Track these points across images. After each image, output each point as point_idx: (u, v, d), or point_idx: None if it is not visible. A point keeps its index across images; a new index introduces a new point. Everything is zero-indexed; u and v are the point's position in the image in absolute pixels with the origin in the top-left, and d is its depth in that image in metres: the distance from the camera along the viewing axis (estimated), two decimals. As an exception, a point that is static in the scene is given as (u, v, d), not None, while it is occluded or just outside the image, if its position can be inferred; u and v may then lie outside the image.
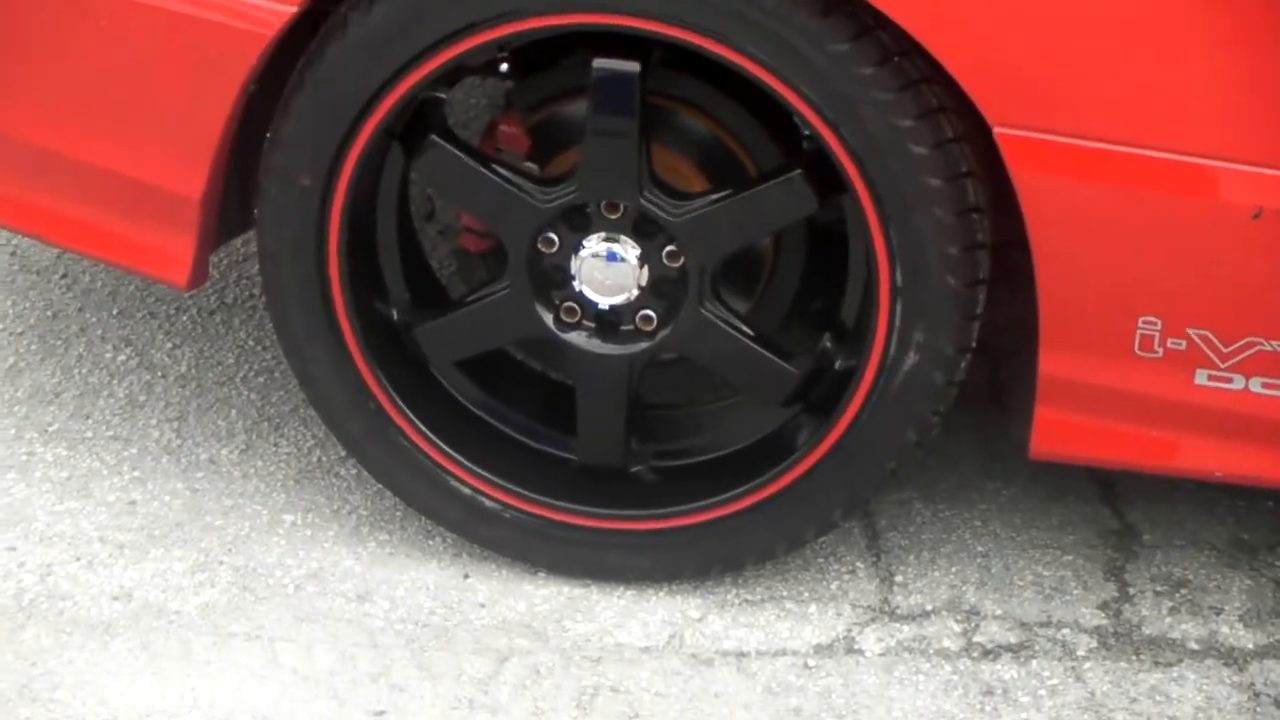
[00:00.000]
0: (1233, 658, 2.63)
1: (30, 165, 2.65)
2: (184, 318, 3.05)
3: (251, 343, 3.00)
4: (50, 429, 2.84)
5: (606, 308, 2.54)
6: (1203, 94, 2.26)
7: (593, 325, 2.55)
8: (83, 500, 2.72)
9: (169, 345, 3.01)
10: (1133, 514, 2.85)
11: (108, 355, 2.99)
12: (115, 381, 2.94)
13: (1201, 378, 2.44)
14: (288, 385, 2.85)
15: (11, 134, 2.63)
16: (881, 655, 2.59)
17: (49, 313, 3.04)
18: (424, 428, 2.58)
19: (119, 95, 2.51)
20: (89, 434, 2.83)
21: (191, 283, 2.57)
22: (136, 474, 2.77)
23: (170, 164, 2.50)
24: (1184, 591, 2.74)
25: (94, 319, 3.05)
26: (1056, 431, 2.50)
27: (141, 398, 2.91)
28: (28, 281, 3.06)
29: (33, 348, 2.98)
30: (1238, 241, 2.34)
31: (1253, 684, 2.60)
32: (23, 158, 2.65)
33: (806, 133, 2.42)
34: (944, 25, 2.26)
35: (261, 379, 2.95)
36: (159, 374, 2.96)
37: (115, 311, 3.06)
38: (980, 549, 2.76)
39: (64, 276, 3.10)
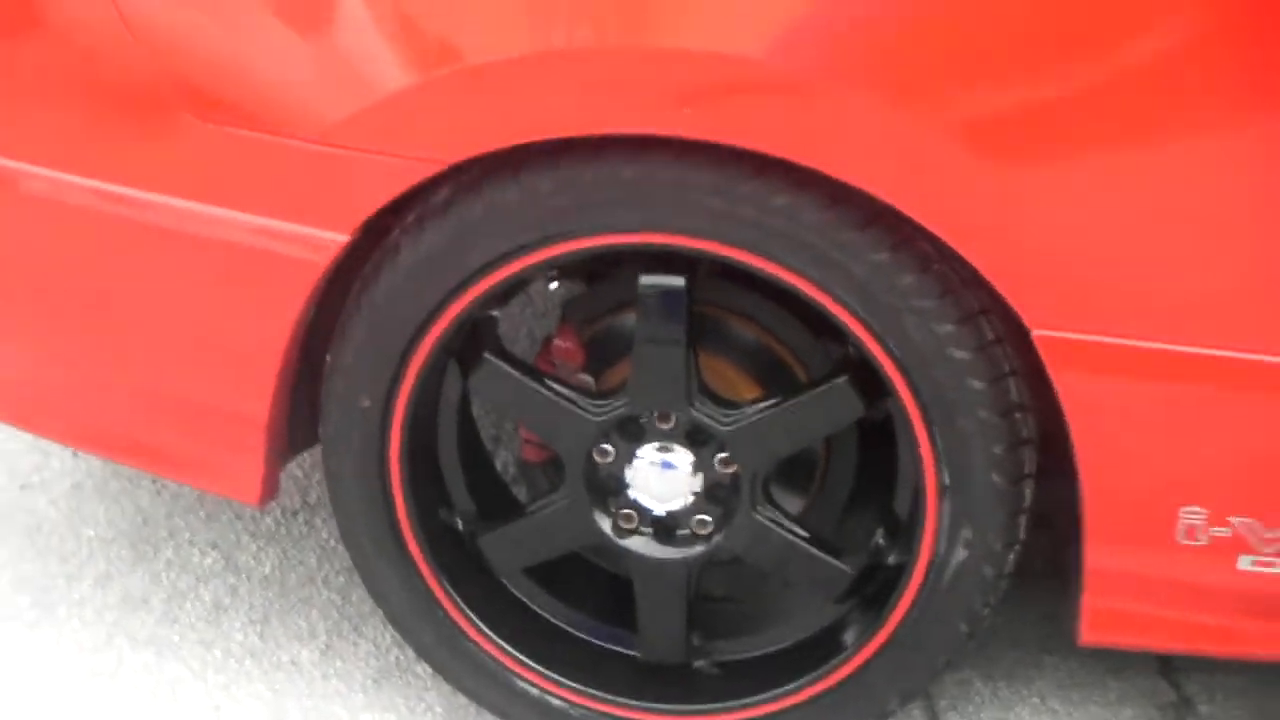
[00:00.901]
0: None
1: (103, 396, 2.55)
2: (268, 519, 2.90)
3: (333, 542, 2.85)
4: (139, 636, 2.69)
5: (663, 514, 2.39)
6: (1240, 291, 2.14)
7: (650, 530, 2.40)
8: (170, 705, 2.59)
9: (254, 547, 2.87)
10: (1190, 686, 2.67)
11: (195, 559, 2.83)
12: (202, 585, 2.79)
13: (1245, 563, 2.29)
14: None
15: (85, 369, 2.53)
16: None
17: (139, 518, 2.89)
18: (491, 633, 2.46)
19: (183, 324, 2.41)
20: (176, 639, 2.68)
21: (263, 500, 2.41)
22: (221, 679, 2.62)
23: (235, 391, 2.39)
24: None
25: (182, 523, 2.90)
26: (1104, 620, 2.36)
27: (226, 600, 2.76)
28: (119, 487, 2.91)
29: (123, 554, 2.84)
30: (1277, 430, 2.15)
31: None
32: (94, 385, 2.54)
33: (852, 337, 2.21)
34: (980, 234, 2.13)
35: (342, 578, 2.80)
36: (244, 576, 2.82)
37: (202, 515, 2.92)
38: None
39: (154, 482, 2.94)
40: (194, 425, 2.47)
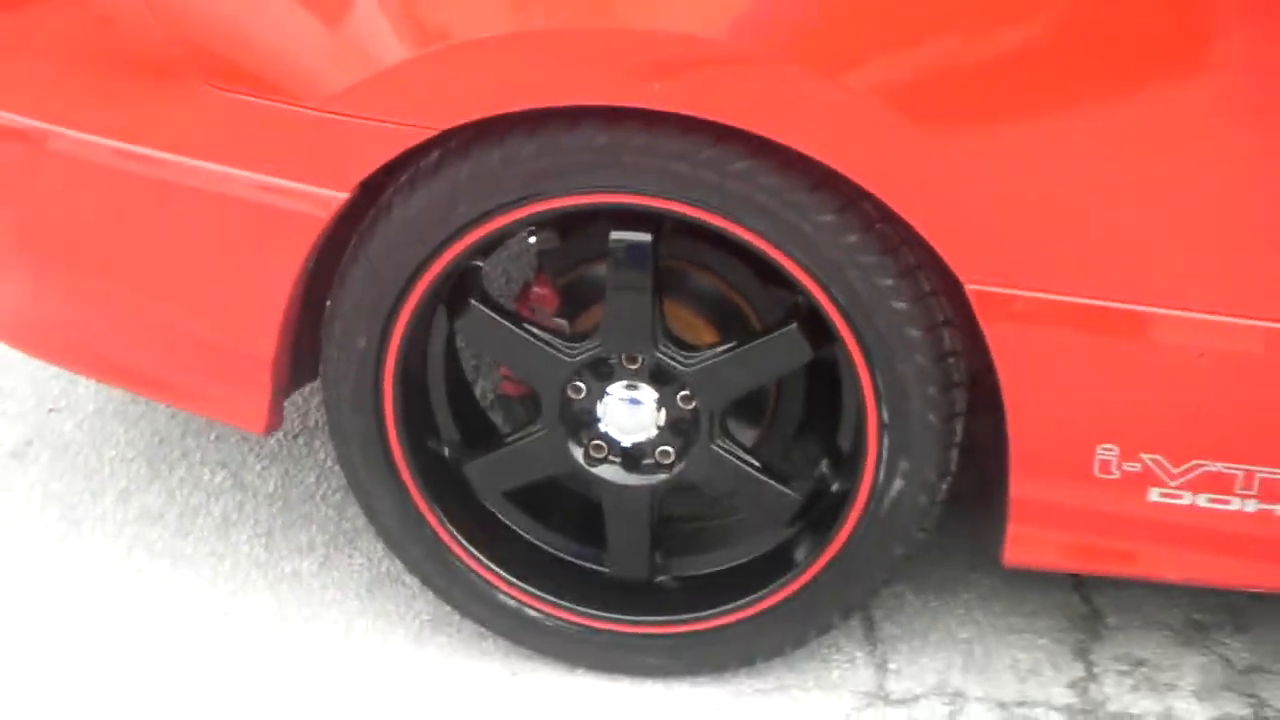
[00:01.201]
0: None
1: (126, 335, 2.49)
2: (271, 442, 2.90)
3: (330, 463, 2.82)
4: (155, 547, 2.68)
5: (629, 445, 2.36)
6: (1147, 250, 2.12)
7: (618, 460, 2.37)
8: (183, 611, 2.59)
9: (258, 467, 2.85)
10: (1099, 599, 2.66)
11: (205, 477, 2.82)
12: (212, 501, 2.77)
13: (1154, 495, 2.26)
14: None
15: (109, 311, 2.47)
16: None
17: (156, 439, 2.89)
18: (474, 550, 2.43)
19: (197, 272, 2.36)
20: (189, 550, 2.68)
21: (268, 429, 2.40)
22: (229, 587, 2.61)
23: (244, 332, 2.36)
24: (1143, 670, 2.54)
25: (194, 444, 2.89)
26: (1026, 545, 2.34)
27: (234, 516, 2.75)
28: (137, 411, 2.93)
29: (141, 472, 2.83)
30: (1186, 378, 2.16)
31: None
32: (116, 326, 2.48)
33: (800, 298, 2.23)
34: (916, 196, 2.10)
35: (338, 496, 2.79)
36: (249, 493, 2.80)
37: (212, 437, 2.90)
38: (964, 635, 2.57)
39: (168, 407, 2.89)
40: (207, 362, 2.44)
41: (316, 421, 2.90)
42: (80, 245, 2.44)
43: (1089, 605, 2.64)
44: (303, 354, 2.39)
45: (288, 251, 2.26)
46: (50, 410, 2.97)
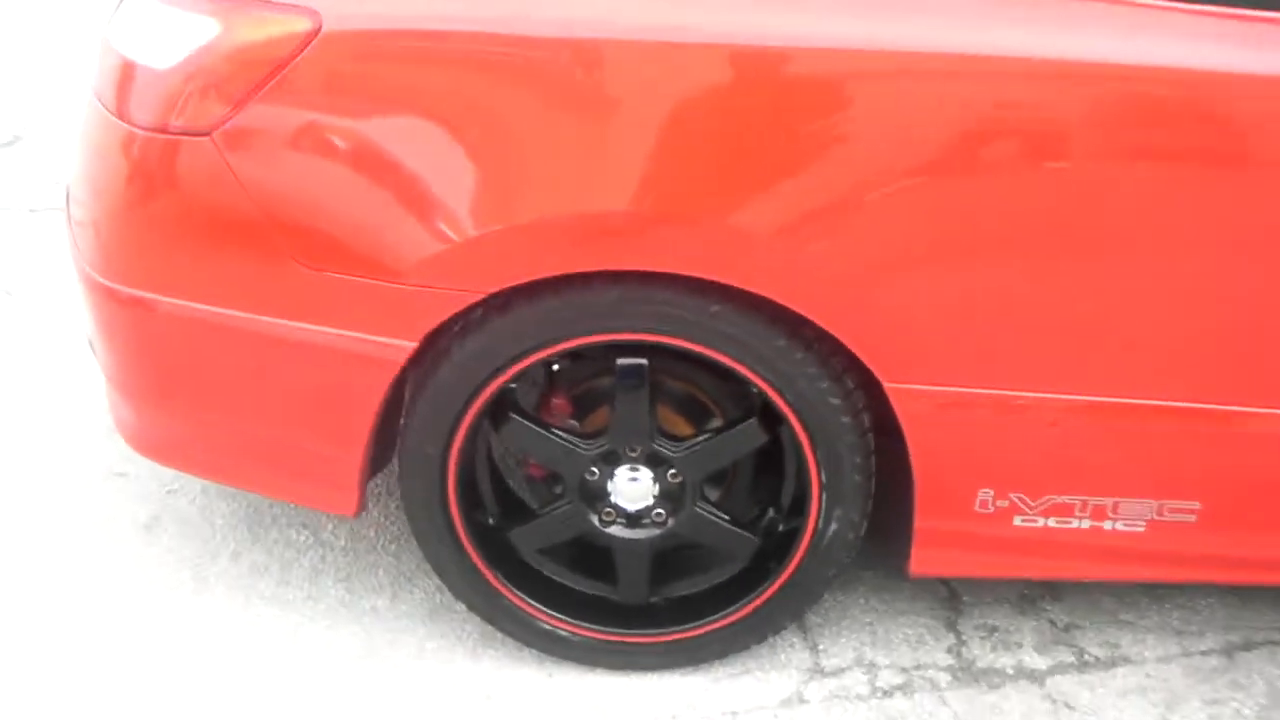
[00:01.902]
0: (1035, 677, 2.51)
1: (243, 452, 2.41)
2: None
3: (383, 518, 2.80)
4: (265, 594, 2.63)
5: (633, 511, 2.38)
6: (1021, 352, 2.14)
7: (624, 521, 2.39)
8: (294, 646, 2.51)
9: (331, 525, 2.78)
10: (955, 584, 2.73)
11: (293, 536, 2.77)
12: (301, 555, 2.73)
13: (1018, 521, 2.31)
14: (412, 548, 2.63)
15: (232, 432, 2.38)
16: (822, 702, 2.45)
17: (251, 509, 2.84)
18: (517, 591, 2.43)
19: (304, 405, 2.28)
20: (290, 596, 2.64)
21: (358, 511, 2.39)
22: (326, 623, 2.58)
23: (339, 448, 2.32)
24: (997, 634, 2.61)
25: (280, 511, 2.83)
26: (927, 561, 2.39)
27: (320, 566, 2.70)
28: (232, 490, 2.83)
29: (245, 535, 2.78)
30: (1042, 439, 2.21)
31: (1050, 694, 2.47)
32: (238, 447, 2.40)
33: (756, 390, 2.26)
34: (851, 325, 2.12)
35: (394, 545, 2.76)
36: (328, 548, 2.74)
37: (292, 505, 2.81)
38: (867, 620, 2.63)
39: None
40: (310, 470, 2.38)
41: (370, 489, 2.75)
42: (207, 386, 2.35)
43: (948, 588, 2.71)
44: (378, 453, 2.37)
45: (372, 386, 2.24)
46: (169, 492, 2.88)
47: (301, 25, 2.02)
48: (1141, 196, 2.00)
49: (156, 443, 2.47)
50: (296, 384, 2.25)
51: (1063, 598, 2.65)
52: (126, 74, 2.18)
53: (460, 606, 2.50)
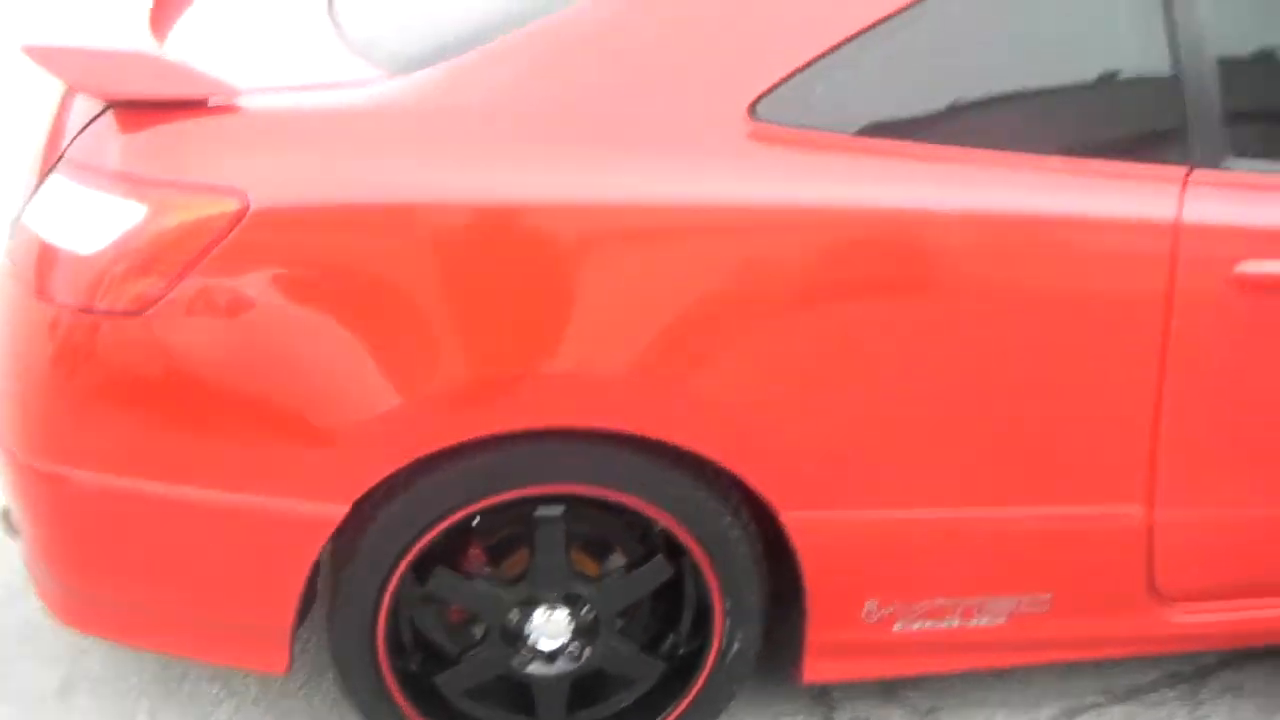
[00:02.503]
0: None
1: (173, 619, 2.46)
2: None
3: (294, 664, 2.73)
4: None
5: (551, 649, 2.51)
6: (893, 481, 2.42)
7: (543, 659, 2.51)
8: None
9: (242, 675, 2.80)
10: None
11: (205, 688, 2.77)
12: (217, 709, 2.74)
13: (898, 626, 2.53)
14: (322, 691, 2.74)
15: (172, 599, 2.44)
16: None
17: (161, 665, 2.81)
18: None
19: (241, 574, 2.36)
20: None
21: (287, 669, 2.45)
22: None
23: (271, 612, 2.38)
24: None
25: (190, 665, 2.81)
26: (819, 670, 2.58)
27: (236, 717, 2.72)
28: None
29: (159, 692, 2.75)
30: (910, 552, 2.45)
31: None
32: (176, 612, 2.44)
33: (658, 530, 2.46)
34: (750, 463, 2.32)
35: (304, 689, 2.79)
36: (241, 698, 2.75)
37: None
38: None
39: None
40: (245, 632, 2.43)
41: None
42: (134, 557, 2.35)
43: (818, 685, 2.82)
44: (304, 610, 2.45)
45: (303, 551, 2.32)
46: (80, 652, 2.84)
47: (230, 205, 2.12)
48: (913, 328, 2.28)
49: (82, 613, 2.47)
50: (228, 551, 2.31)
51: (920, 684, 2.87)
52: (48, 257, 2.23)
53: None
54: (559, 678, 2.49)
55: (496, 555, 2.47)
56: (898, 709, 2.81)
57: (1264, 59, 2.50)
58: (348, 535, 2.33)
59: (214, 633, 2.43)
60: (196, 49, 2.47)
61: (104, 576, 2.41)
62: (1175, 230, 2.31)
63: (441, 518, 2.30)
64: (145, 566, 2.37)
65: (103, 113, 2.22)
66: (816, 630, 2.50)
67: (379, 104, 2.22)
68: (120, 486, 2.26)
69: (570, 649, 2.48)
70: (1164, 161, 2.35)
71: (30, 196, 2.35)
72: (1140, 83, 2.41)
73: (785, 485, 2.36)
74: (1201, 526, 2.56)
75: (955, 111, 2.32)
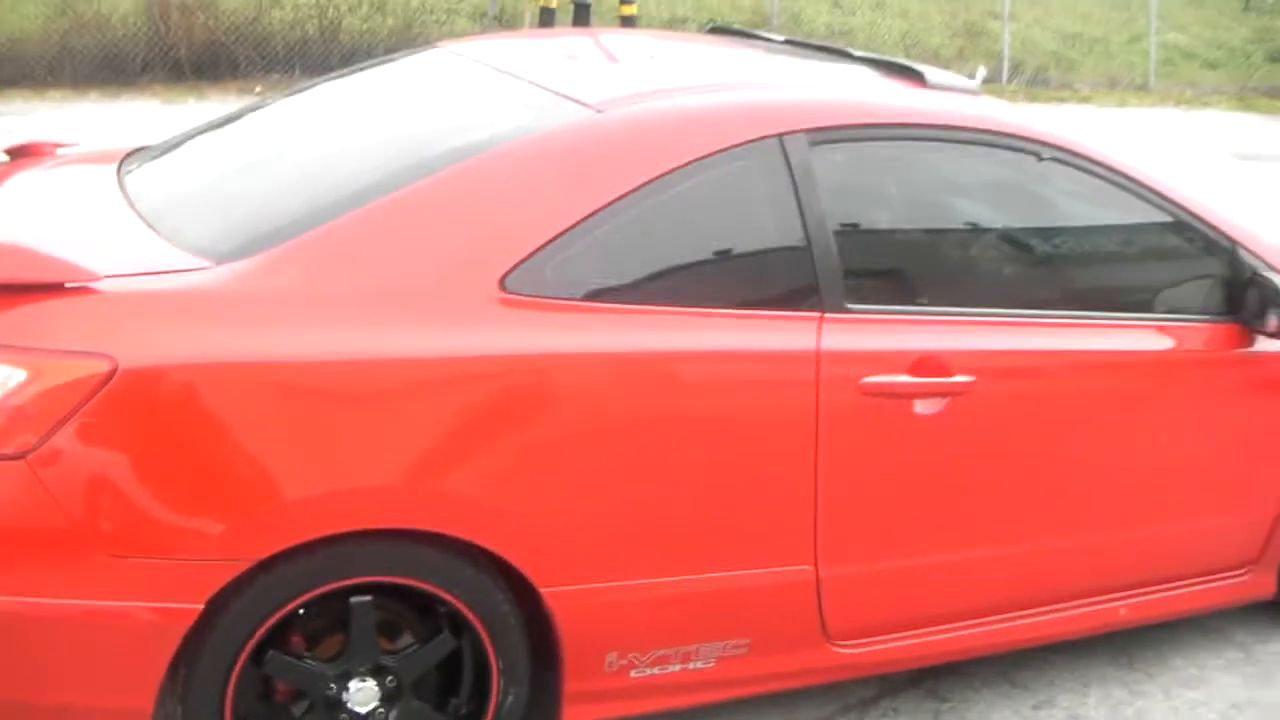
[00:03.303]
0: None
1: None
2: None
3: None
4: None
5: (364, 713, 3.03)
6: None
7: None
8: None
9: None
10: None
11: None
12: None
13: (633, 674, 3.22)
14: None
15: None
16: None
17: None
18: None
19: (97, 656, 2.78)
20: None
21: None
22: None
23: (128, 700, 2.82)
24: None
25: None
26: (576, 714, 3.21)
27: None
28: None
29: None
30: (641, 611, 3.18)
31: None
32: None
33: (443, 609, 3.06)
34: (521, 554, 2.99)
35: None
36: None
37: None
38: None
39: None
40: (105, 716, 2.85)
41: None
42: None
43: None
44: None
45: (164, 644, 2.79)
46: None
47: (100, 367, 2.71)
48: (628, 444, 3.05)
49: None
50: (97, 652, 2.74)
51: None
52: None
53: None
54: None
55: (313, 641, 3.01)
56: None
57: (867, 233, 3.50)
58: (200, 630, 2.79)
59: None
60: (31, 235, 3.06)
61: None
62: (817, 357, 3.22)
63: (279, 607, 2.84)
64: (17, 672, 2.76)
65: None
66: (570, 681, 3.17)
67: (211, 287, 2.87)
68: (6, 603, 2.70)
69: (379, 712, 3.01)
70: (804, 309, 3.26)
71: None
72: (784, 254, 3.31)
73: (542, 566, 3.04)
74: (857, 579, 3.41)
75: (651, 280, 3.16)
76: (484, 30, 14.13)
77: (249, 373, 2.80)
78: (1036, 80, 17.65)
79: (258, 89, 11.92)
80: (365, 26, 13.50)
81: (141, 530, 2.76)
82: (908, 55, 15.39)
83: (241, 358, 2.80)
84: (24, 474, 2.69)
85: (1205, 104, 18.28)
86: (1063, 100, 17.02)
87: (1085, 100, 17.35)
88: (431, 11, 14.52)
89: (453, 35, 13.35)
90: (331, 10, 13.38)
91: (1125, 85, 18.55)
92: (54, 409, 2.70)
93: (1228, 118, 17.43)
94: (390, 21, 13.76)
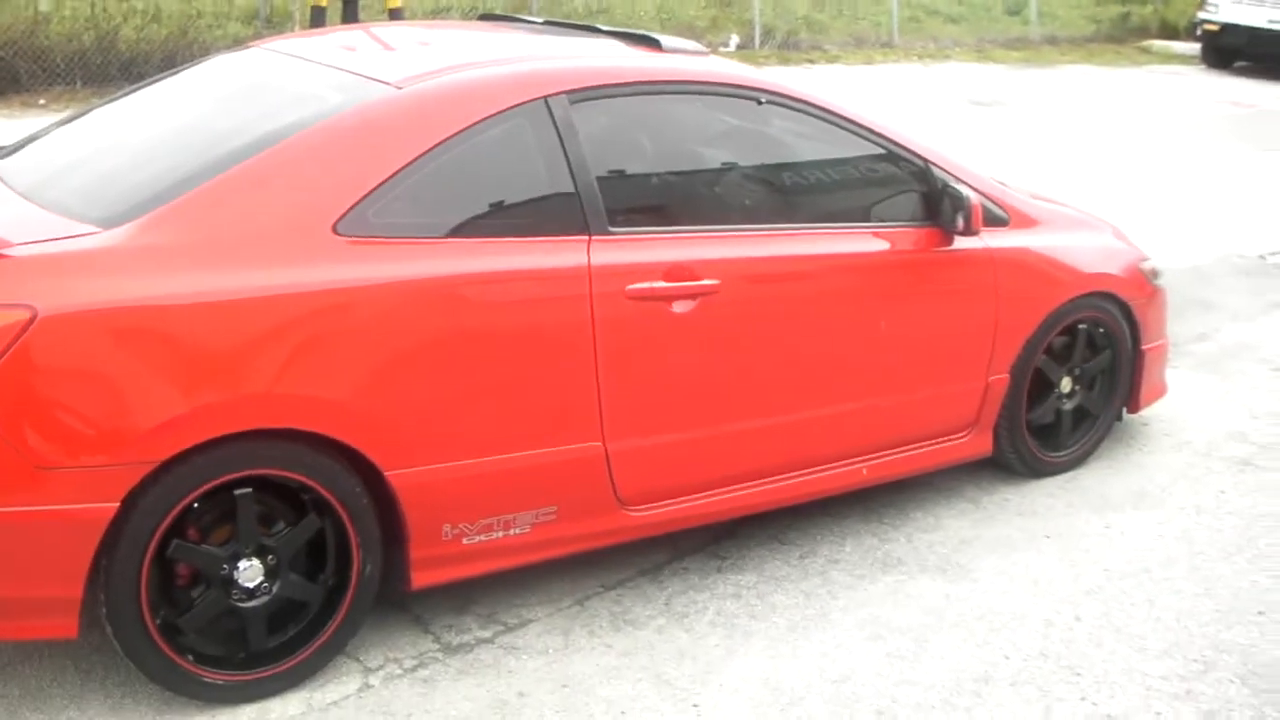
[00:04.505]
0: (490, 641, 4.17)
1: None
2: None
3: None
4: None
5: (252, 587, 3.78)
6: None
7: (247, 595, 3.78)
8: None
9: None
10: (412, 603, 4.35)
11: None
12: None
13: (468, 540, 4.04)
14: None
15: None
16: (382, 683, 3.97)
17: None
18: (190, 661, 3.75)
19: (34, 554, 3.45)
20: None
21: (78, 633, 3.58)
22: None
23: (61, 590, 3.51)
24: (451, 629, 4.23)
25: None
26: (421, 578, 4.02)
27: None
28: None
29: None
30: (467, 487, 3.97)
31: (500, 646, 4.13)
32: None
33: (307, 497, 3.82)
34: (366, 441, 3.76)
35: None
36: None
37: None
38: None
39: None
40: (37, 609, 3.53)
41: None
42: None
43: (412, 613, 4.30)
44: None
45: (82, 545, 3.48)
46: None
47: (23, 315, 3.36)
48: (453, 347, 3.84)
49: None
50: (33, 550, 3.41)
51: (474, 595, 4.31)
52: None
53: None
54: (259, 608, 3.75)
55: (205, 535, 3.71)
56: (472, 619, 4.27)
57: (621, 170, 4.37)
58: (118, 524, 3.46)
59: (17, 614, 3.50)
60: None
61: None
62: (589, 270, 4.08)
63: (180, 499, 3.52)
64: None
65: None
66: (415, 549, 3.95)
67: (103, 247, 3.57)
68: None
69: (264, 586, 3.77)
70: (575, 233, 4.11)
71: None
72: (555, 190, 4.14)
73: (385, 453, 3.82)
74: (639, 452, 4.28)
75: (454, 218, 3.97)
76: (257, 33, 14.63)
77: (142, 312, 3.51)
78: (788, 44, 18.80)
79: (41, 101, 12.27)
80: (141, 35, 13.89)
81: (64, 444, 3.43)
82: (663, 28, 16.34)
83: (135, 301, 3.51)
84: None
85: (946, 56, 19.69)
86: (813, 62, 18.20)
87: (834, 60, 18.56)
88: (203, 16, 14.97)
89: (226, 39, 13.84)
90: (106, 21, 13.76)
91: (871, 44, 19.86)
92: None
93: (965, 68, 18.85)
94: (165, 29, 14.18)
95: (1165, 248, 8.21)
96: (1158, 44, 22.58)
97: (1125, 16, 23.67)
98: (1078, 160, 12.34)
